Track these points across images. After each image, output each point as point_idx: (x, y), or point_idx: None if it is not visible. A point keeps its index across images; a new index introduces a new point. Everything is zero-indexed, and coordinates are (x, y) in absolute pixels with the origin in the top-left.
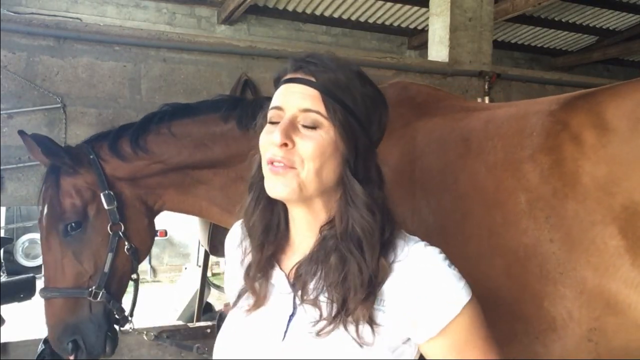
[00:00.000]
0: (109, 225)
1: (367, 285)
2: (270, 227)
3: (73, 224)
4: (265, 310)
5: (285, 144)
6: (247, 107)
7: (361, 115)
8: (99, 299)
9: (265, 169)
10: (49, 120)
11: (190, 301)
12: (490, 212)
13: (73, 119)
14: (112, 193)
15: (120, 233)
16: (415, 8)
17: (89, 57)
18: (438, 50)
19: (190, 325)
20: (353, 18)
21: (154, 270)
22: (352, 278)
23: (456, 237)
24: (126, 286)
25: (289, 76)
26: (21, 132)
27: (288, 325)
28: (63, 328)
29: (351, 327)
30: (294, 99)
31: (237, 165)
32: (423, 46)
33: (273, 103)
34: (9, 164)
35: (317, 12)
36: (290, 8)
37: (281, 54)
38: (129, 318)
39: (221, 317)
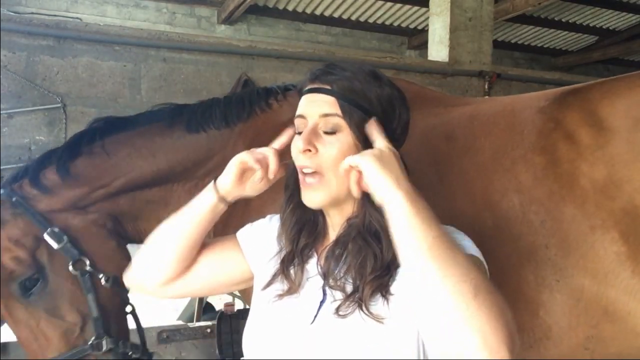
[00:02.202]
0: (70, 264)
1: (382, 269)
2: (304, 222)
3: (27, 281)
4: (298, 296)
5: (309, 150)
6: (195, 109)
7: (378, 114)
8: (104, 349)
9: (300, 179)
10: (49, 120)
11: (190, 301)
12: (480, 215)
13: (73, 118)
14: (56, 230)
15: (87, 268)
16: (415, 8)
17: (89, 57)
18: (438, 50)
19: (190, 325)
20: (353, 18)
21: None
22: (369, 264)
23: None
24: (124, 318)
25: (308, 87)
26: None
27: (319, 310)
28: None
29: (368, 305)
30: (314, 107)
31: (194, 174)
32: (423, 46)
33: (297, 112)
34: (9, 164)
35: (317, 12)
36: (290, 8)
37: (281, 54)
38: (148, 350)
39: (221, 317)
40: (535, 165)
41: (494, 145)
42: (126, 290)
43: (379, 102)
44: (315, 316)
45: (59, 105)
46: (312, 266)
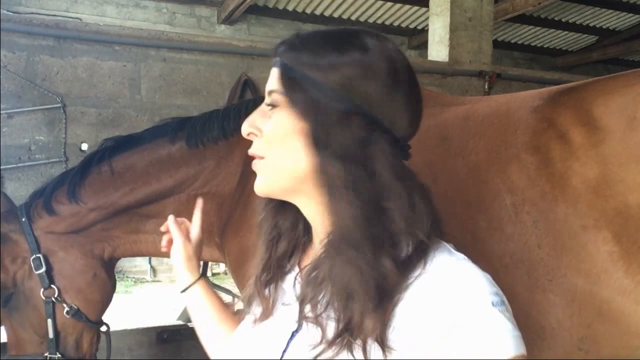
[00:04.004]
0: (42, 290)
1: (375, 293)
2: (280, 226)
3: (4, 295)
4: (271, 322)
5: (254, 134)
6: (195, 123)
7: (338, 86)
8: None
9: None
10: (49, 120)
11: None
12: (473, 216)
13: (73, 118)
14: (40, 257)
15: (54, 298)
16: (415, 8)
17: (88, 57)
18: (438, 50)
19: (190, 325)
20: (353, 18)
21: (153, 270)
22: (355, 287)
23: None
24: (92, 340)
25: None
26: None
27: (289, 343)
28: None
29: (357, 350)
30: (267, 84)
31: (188, 187)
32: (423, 46)
33: None
34: (9, 164)
35: (317, 12)
36: (290, 8)
37: None
38: None
39: None
40: (528, 165)
41: (488, 146)
42: (90, 320)
43: (338, 70)
44: (284, 351)
45: (58, 105)
46: (289, 285)
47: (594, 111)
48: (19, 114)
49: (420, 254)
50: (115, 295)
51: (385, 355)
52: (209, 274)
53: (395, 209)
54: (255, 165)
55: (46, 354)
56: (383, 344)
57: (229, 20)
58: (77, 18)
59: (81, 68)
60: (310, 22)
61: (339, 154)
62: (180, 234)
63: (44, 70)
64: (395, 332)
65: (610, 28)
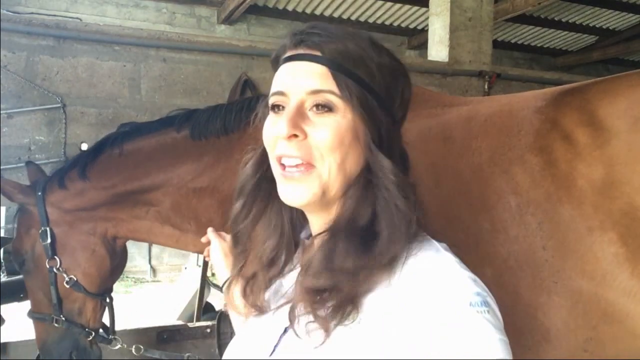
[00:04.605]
0: (47, 260)
1: (364, 279)
2: (272, 235)
3: (20, 261)
4: (268, 317)
5: (295, 135)
6: (200, 115)
7: (381, 90)
8: (58, 325)
9: (277, 171)
10: (48, 119)
11: (190, 301)
12: (477, 218)
13: (73, 118)
14: (47, 229)
15: (55, 269)
16: (415, 8)
17: (88, 57)
18: (438, 50)
19: (190, 325)
20: (353, 18)
21: (153, 270)
22: (349, 285)
23: None
24: (94, 308)
25: (289, 53)
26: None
27: (280, 339)
28: (40, 347)
29: (347, 344)
30: (300, 80)
31: (188, 179)
32: (423, 46)
33: (274, 87)
34: (9, 164)
35: (317, 12)
36: (290, 8)
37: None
38: (111, 337)
39: (221, 317)
40: (532, 167)
41: (491, 147)
42: (88, 292)
43: (380, 72)
44: (276, 346)
45: (58, 105)
46: (290, 282)
47: (598, 112)
48: (19, 114)
49: (405, 248)
50: (115, 295)
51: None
52: (208, 273)
53: (410, 203)
54: (295, 177)
55: (52, 315)
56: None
57: (229, 20)
58: (77, 18)
59: (81, 68)
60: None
61: (388, 154)
62: (217, 236)
63: (44, 70)
64: (370, 324)
65: (610, 28)
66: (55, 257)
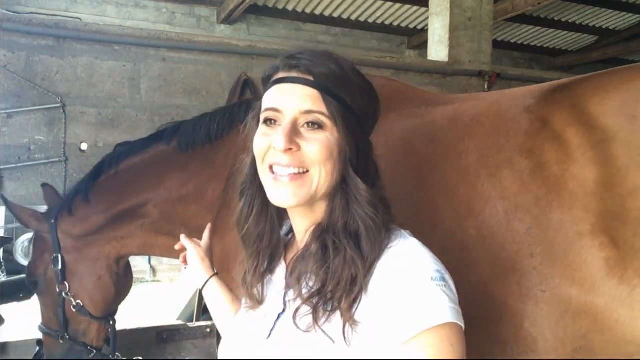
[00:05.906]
0: (57, 285)
1: (352, 281)
2: (264, 233)
3: (34, 282)
4: (261, 308)
5: (290, 149)
6: (187, 126)
7: (359, 110)
8: (63, 342)
9: (266, 176)
10: (48, 119)
11: (190, 301)
12: (462, 223)
13: (73, 118)
14: (58, 256)
15: (64, 293)
16: (415, 8)
17: (88, 57)
18: (438, 50)
19: (190, 325)
20: (353, 18)
21: (153, 270)
22: (339, 271)
23: None
24: (98, 330)
25: (282, 75)
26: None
27: (275, 323)
28: (47, 357)
29: (331, 325)
30: (293, 101)
31: (173, 188)
32: (423, 46)
33: (268, 104)
34: (9, 164)
35: (317, 12)
36: (290, 8)
37: (281, 54)
38: (111, 357)
39: None
40: (521, 170)
41: (479, 148)
42: (92, 316)
43: (360, 95)
44: (272, 329)
45: (58, 105)
46: (280, 277)
47: (591, 110)
48: (19, 114)
49: (384, 239)
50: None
51: (354, 329)
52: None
53: (386, 212)
54: (286, 179)
55: (58, 331)
56: (353, 321)
57: (228, 20)
58: (76, 18)
59: (81, 68)
60: (310, 22)
61: (363, 172)
62: (190, 242)
63: (43, 70)
64: (361, 305)
65: (610, 28)
66: (65, 282)
